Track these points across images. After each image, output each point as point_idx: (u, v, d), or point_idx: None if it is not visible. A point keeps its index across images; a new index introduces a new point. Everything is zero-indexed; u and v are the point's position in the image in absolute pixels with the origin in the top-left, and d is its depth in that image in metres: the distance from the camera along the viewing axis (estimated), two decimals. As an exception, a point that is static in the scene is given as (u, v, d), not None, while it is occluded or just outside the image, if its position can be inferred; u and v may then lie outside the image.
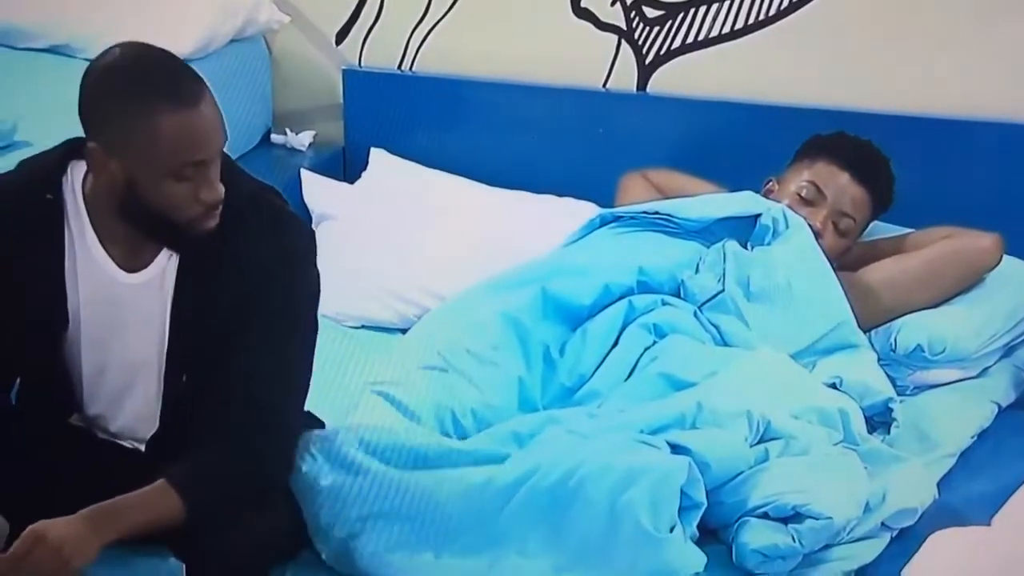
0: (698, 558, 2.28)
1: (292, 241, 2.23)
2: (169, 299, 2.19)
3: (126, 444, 2.33)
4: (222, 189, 2.12)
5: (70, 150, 2.19)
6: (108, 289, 2.20)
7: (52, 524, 1.99)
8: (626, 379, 2.74)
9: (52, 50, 3.48)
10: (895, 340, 2.90)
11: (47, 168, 2.19)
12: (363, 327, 3.23)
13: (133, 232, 2.17)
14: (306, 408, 2.45)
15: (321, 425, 2.49)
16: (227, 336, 2.17)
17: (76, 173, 2.19)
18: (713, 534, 2.43)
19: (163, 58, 2.11)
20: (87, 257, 2.20)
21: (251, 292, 2.17)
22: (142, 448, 2.31)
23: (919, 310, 2.95)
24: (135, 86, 2.06)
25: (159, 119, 2.03)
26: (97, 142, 2.09)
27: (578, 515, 2.28)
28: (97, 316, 2.22)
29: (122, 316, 2.22)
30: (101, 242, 2.19)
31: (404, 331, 3.03)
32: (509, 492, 2.32)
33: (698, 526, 2.39)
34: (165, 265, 2.20)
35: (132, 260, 2.20)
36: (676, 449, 2.41)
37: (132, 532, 2.07)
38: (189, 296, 2.19)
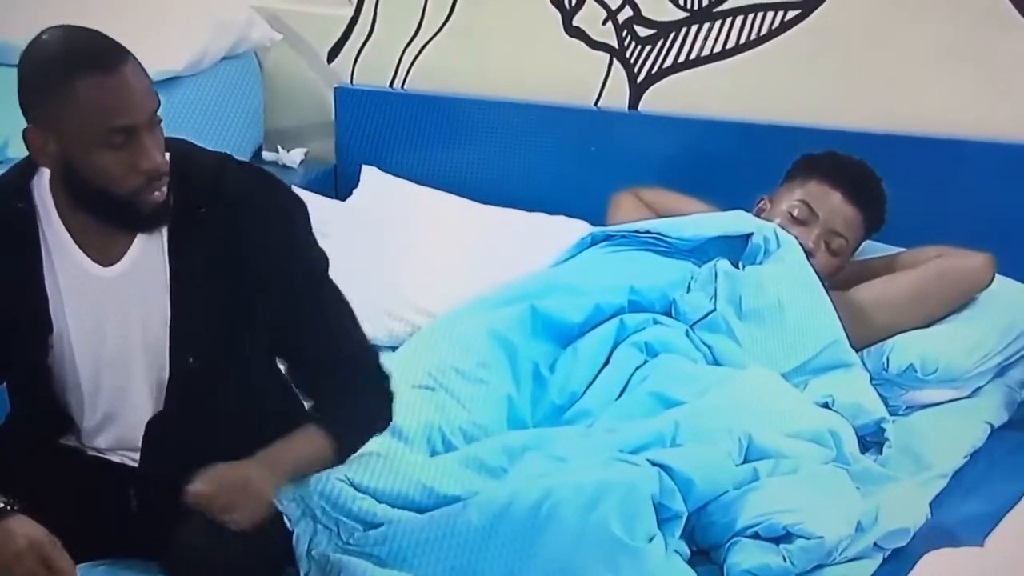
0: (688, 576, 2.28)
1: (280, 194, 2.28)
2: (160, 283, 2.19)
3: (115, 459, 2.32)
4: (163, 159, 2.12)
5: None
6: (88, 286, 2.20)
7: (251, 472, 2.12)
8: (617, 398, 2.73)
9: (44, 67, 3.48)
10: (887, 360, 2.89)
11: (15, 178, 2.21)
12: (354, 344, 3.23)
13: (99, 223, 2.17)
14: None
15: None
16: (246, 305, 2.20)
17: (43, 179, 2.20)
18: (705, 554, 2.42)
19: (84, 33, 2.15)
20: (63, 257, 2.20)
21: (267, 253, 2.20)
22: (130, 462, 2.30)
23: (911, 329, 2.95)
24: (56, 58, 2.10)
25: (78, 84, 2.06)
26: (32, 123, 2.12)
27: (553, 538, 2.26)
28: (83, 316, 2.22)
29: (106, 312, 2.22)
30: (75, 239, 2.20)
31: (395, 348, 3.02)
32: (488, 529, 2.30)
33: (689, 546, 2.39)
34: (139, 254, 2.19)
35: (106, 253, 2.20)
36: (658, 468, 2.39)
37: (296, 474, 2.24)
38: (187, 276, 2.19)
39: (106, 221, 2.17)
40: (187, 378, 2.22)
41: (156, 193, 2.13)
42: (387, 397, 2.35)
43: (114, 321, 2.22)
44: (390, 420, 2.37)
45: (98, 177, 2.10)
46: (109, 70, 2.07)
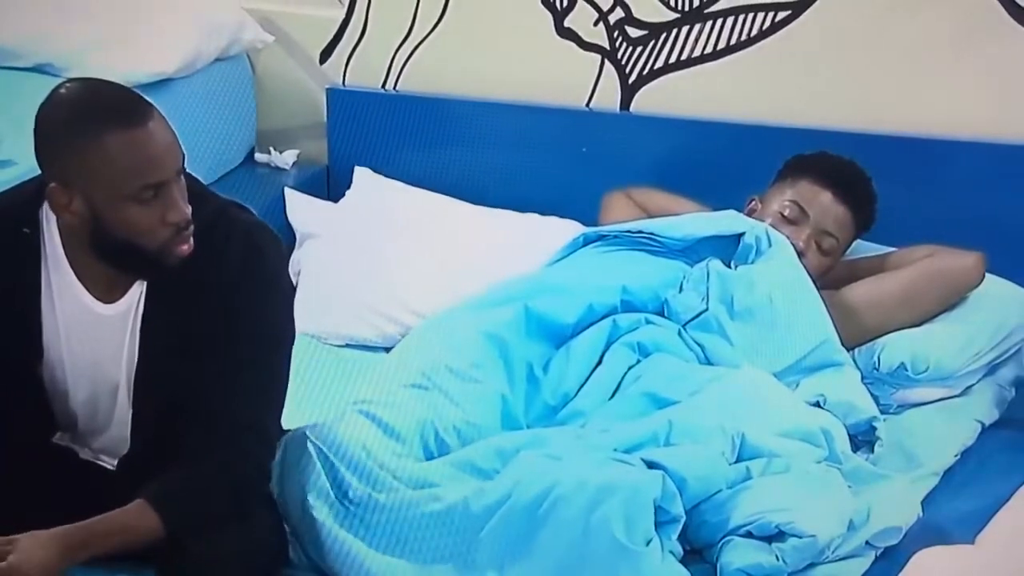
0: (682, 576, 2.29)
1: (263, 255, 2.23)
2: (139, 322, 2.20)
3: (106, 464, 2.33)
4: (188, 209, 2.11)
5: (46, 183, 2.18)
6: (86, 320, 2.21)
7: (20, 547, 2.00)
8: (610, 398, 2.73)
9: (36, 69, 3.48)
10: (879, 358, 2.90)
11: (24, 201, 2.18)
12: (347, 345, 3.24)
13: (120, 272, 2.17)
14: (287, 426, 2.46)
15: None
16: (202, 354, 2.17)
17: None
18: (697, 553, 2.43)
19: (107, 86, 2.13)
20: (63, 289, 2.20)
21: (225, 310, 2.17)
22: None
23: (902, 328, 2.96)
24: (82, 114, 2.06)
25: (108, 141, 2.03)
26: (55, 180, 2.08)
27: (553, 534, 2.28)
28: (78, 345, 2.23)
29: (104, 345, 2.22)
30: (77, 274, 2.19)
31: (388, 349, 3.03)
32: (485, 516, 2.32)
33: (683, 545, 2.39)
34: (140, 292, 2.20)
35: (108, 291, 2.20)
36: (651, 466, 2.41)
37: (107, 552, 2.08)
38: (157, 318, 2.19)
39: (129, 271, 2.17)
40: (150, 419, 2.23)
41: (184, 246, 2.12)
42: (255, 463, 2.23)
43: (110, 354, 2.22)
44: (264, 482, 2.28)
45: (127, 232, 2.09)
46: (138, 125, 2.05)
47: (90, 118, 2.05)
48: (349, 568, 2.28)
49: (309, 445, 2.36)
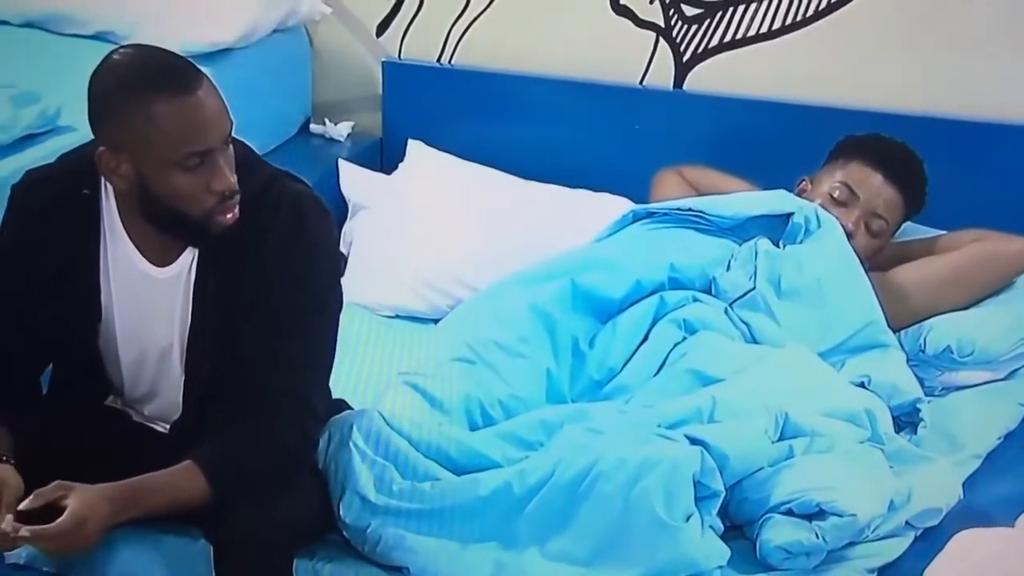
0: (722, 551, 2.30)
1: (309, 223, 2.24)
2: (191, 287, 2.23)
3: (158, 427, 2.37)
4: (234, 178, 2.13)
5: None
6: (139, 283, 2.24)
7: (81, 498, 2.03)
8: (655, 374, 2.75)
9: (97, 37, 3.52)
10: (924, 341, 2.90)
11: (85, 163, 2.21)
12: (397, 316, 3.27)
13: (168, 237, 2.20)
14: (337, 395, 2.49)
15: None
16: (249, 321, 2.20)
17: None
18: (738, 530, 2.45)
19: (159, 53, 2.15)
20: (118, 252, 2.23)
21: (270, 277, 2.19)
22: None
23: (949, 311, 2.96)
24: (132, 80, 2.09)
25: (155, 107, 2.05)
26: (105, 145, 2.12)
27: (595, 510, 2.30)
28: (130, 308, 2.26)
29: (154, 308, 2.25)
30: (131, 237, 2.22)
31: (437, 321, 3.05)
32: (528, 496, 2.35)
33: (724, 522, 2.41)
34: (192, 258, 2.23)
35: (161, 255, 2.23)
36: (694, 443, 2.42)
37: (155, 512, 2.12)
38: (208, 283, 2.21)
39: (176, 237, 2.19)
40: (201, 384, 2.26)
41: (229, 215, 2.14)
42: (300, 432, 2.23)
43: (160, 317, 2.25)
44: (309, 450, 2.30)
45: (172, 198, 2.11)
46: (186, 93, 2.07)
47: (140, 84, 2.08)
48: (392, 549, 2.30)
49: (351, 445, 2.37)
